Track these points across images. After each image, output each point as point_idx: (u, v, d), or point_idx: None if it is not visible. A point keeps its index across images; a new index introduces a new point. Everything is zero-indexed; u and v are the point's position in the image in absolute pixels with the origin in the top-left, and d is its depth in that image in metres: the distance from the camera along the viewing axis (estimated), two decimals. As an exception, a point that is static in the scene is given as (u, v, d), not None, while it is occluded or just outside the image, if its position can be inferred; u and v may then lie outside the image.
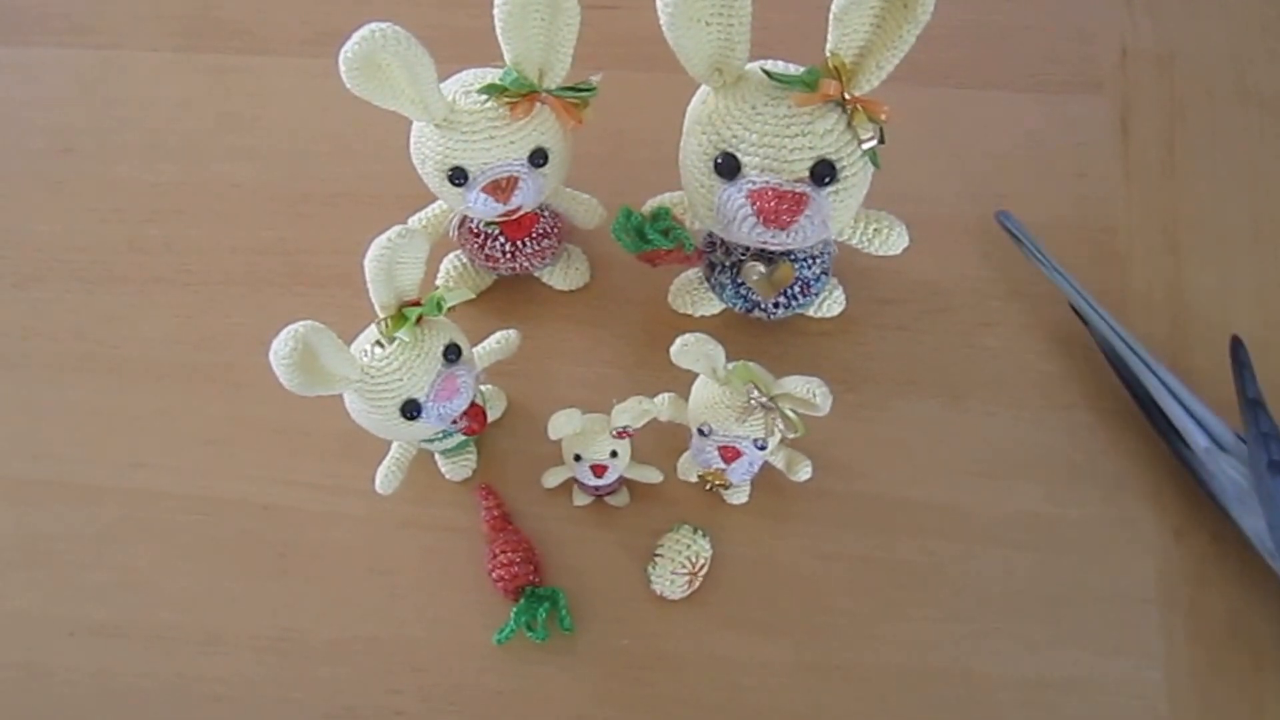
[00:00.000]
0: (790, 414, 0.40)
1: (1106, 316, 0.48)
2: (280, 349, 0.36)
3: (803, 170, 0.40)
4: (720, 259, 0.48)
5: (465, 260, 0.52)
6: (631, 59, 0.54)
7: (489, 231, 0.48)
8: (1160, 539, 0.47)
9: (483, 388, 0.48)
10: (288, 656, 0.46)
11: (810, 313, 0.51)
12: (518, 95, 0.42)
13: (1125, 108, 0.58)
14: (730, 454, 0.43)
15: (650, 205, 0.47)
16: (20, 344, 0.53)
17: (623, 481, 0.48)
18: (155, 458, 0.50)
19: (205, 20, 0.63)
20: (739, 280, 0.47)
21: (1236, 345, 0.47)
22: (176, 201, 0.57)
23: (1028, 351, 0.51)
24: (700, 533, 0.46)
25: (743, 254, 0.47)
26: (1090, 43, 0.60)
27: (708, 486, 0.47)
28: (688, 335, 0.40)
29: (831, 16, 0.37)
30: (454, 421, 0.43)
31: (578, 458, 0.44)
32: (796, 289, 0.47)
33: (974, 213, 0.54)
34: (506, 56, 0.42)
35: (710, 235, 0.48)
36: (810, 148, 0.40)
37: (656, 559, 0.46)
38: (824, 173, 0.40)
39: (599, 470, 0.44)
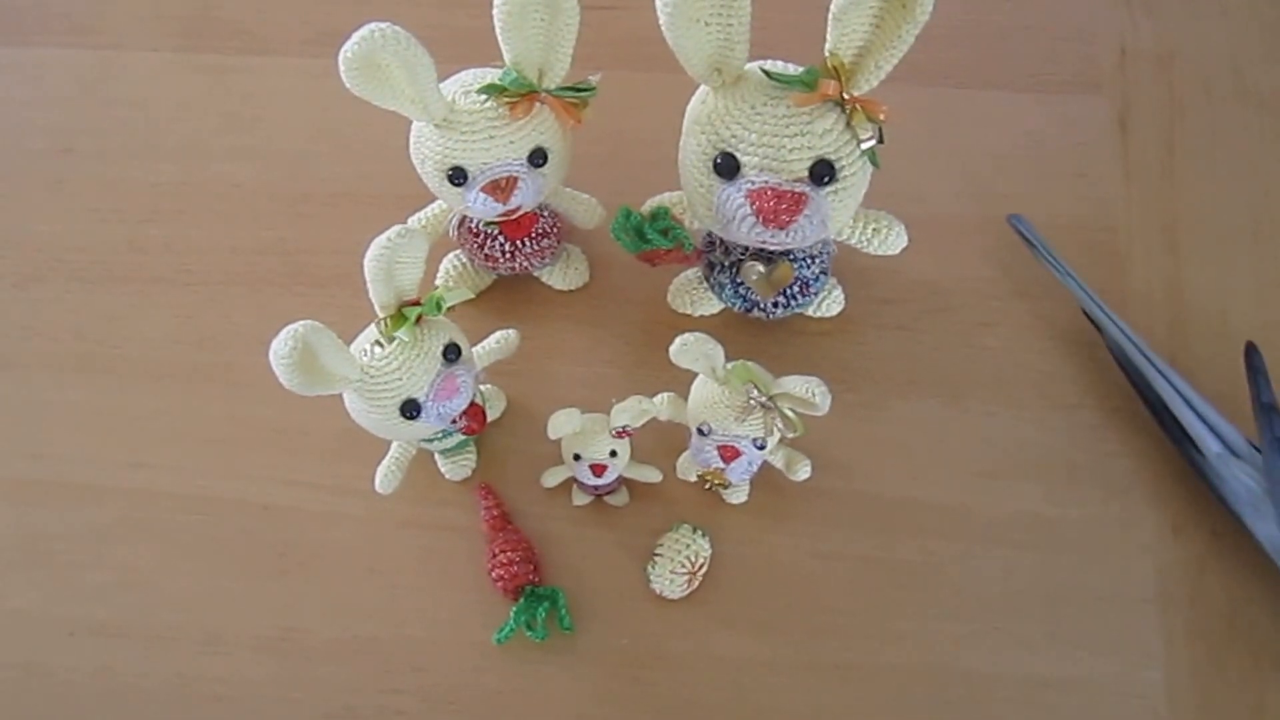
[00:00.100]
0: (789, 413, 0.40)
1: (1118, 320, 0.48)
2: (280, 349, 0.36)
3: (802, 170, 0.40)
4: (719, 259, 0.48)
5: (465, 260, 0.52)
6: (631, 59, 0.54)
7: (488, 231, 0.48)
8: (1160, 539, 0.47)
9: (482, 387, 0.48)
10: (288, 656, 0.46)
11: (809, 312, 0.51)
12: (517, 95, 0.42)
13: (1125, 108, 0.58)
14: (729, 453, 0.43)
15: (649, 205, 0.47)
16: (20, 344, 0.53)
17: (622, 481, 0.48)
18: (155, 458, 0.50)
19: (205, 20, 0.63)
20: (738, 280, 0.47)
21: (1251, 351, 0.47)
22: (176, 201, 0.57)
23: (1027, 351, 0.51)
24: (700, 532, 0.46)
25: (742, 254, 0.47)
26: (1090, 43, 0.60)
27: (707, 486, 0.47)
28: (687, 335, 0.40)
29: (830, 16, 0.38)
30: (453, 421, 0.43)
31: (577, 457, 0.44)
32: (795, 288, 0.47)
33: (974, 213, 0.54)
34: (506, 56, 0.42)
35: (709, 235, 0.48)
36: (809, 147, 0.40)
37: (656, 558, 0.46)
38: (823, 172, 0.40)
39: (598, 470, 0.44)
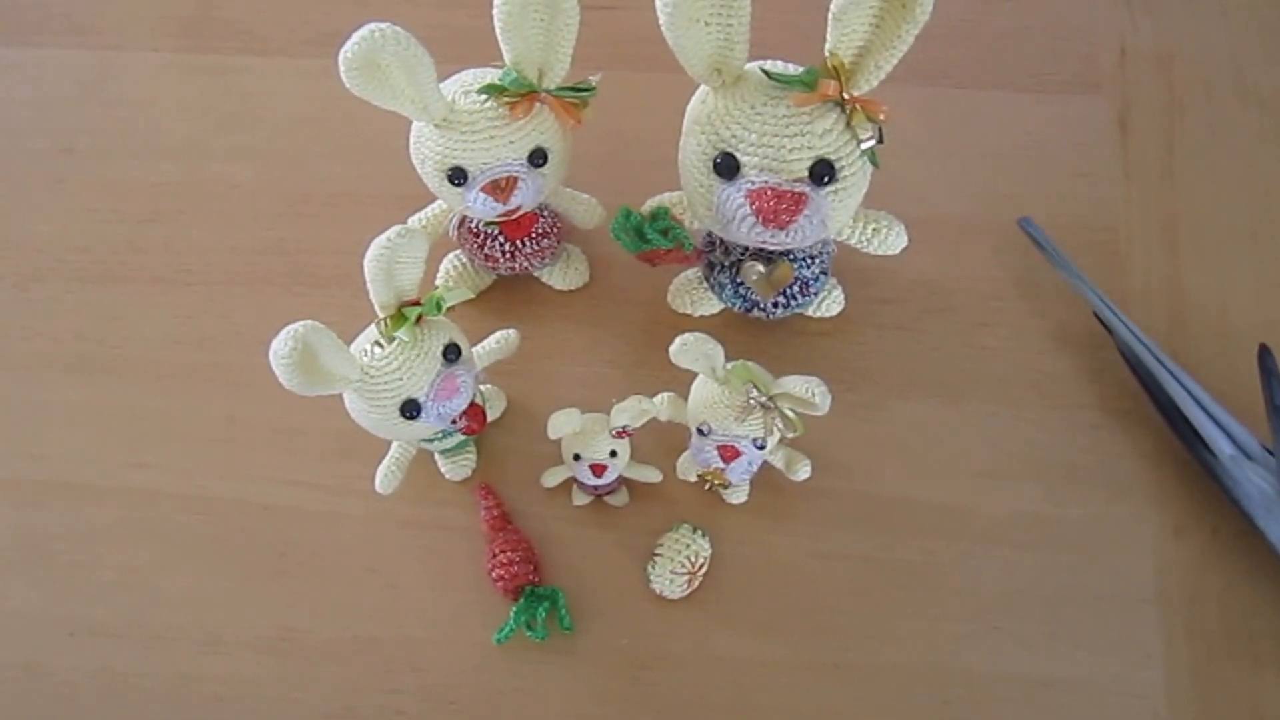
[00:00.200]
0: (789, 413, 0.40)
1: (1129, 322, 0.48)
2: (280, 349, 0.36)
3: (802, 170, 0.40)
4: (719, 259, 0.48)
5: (465, 260, 0.52)
6: (631, 59, 0.54)
7: (488, 231, 0.48)
8: (1160, 539, 0.47)
9: (482, 387, 0.48)
10: (288, 656, 0.46)
11: (809, 312, 0.51)
12: (517, 95, 0.42)
13: (1125, 108, 0.58)
14: (729, 453, 0.43)
15: (649, 205, 0.47)
16: (20, 344, 0.53)
17: (622, 481, 0.48)
18: (155, 458, 0.50)
19: (205, 20, 0.63)
20: (738, 280, 0.47)
21: (1265, 354, 0.47)
22: (176, 201, 0.57)
23: (1027, 351, 0.51)
24: (700, 532, 0.46)
25: (742, 254, 0.47)
26: (1090, 43, 0.60)
27: (707, 486, 0.47)
28: (687, 335, 0.40)
29: (830, 16, 0.38)
30: (453, 421, 0.43)
31: (577, 457, 0.44)
32: (795, 288, 0.47)
33: (973, 213, 0.54)
34: (506, 56, 0.42)
35: (709, 235, 0.48)
36: (809, 147, 0.40)
37: (656, 558, 0.46)
38: (823, 172, 0.40)
39: (598, 470, 0.44)
